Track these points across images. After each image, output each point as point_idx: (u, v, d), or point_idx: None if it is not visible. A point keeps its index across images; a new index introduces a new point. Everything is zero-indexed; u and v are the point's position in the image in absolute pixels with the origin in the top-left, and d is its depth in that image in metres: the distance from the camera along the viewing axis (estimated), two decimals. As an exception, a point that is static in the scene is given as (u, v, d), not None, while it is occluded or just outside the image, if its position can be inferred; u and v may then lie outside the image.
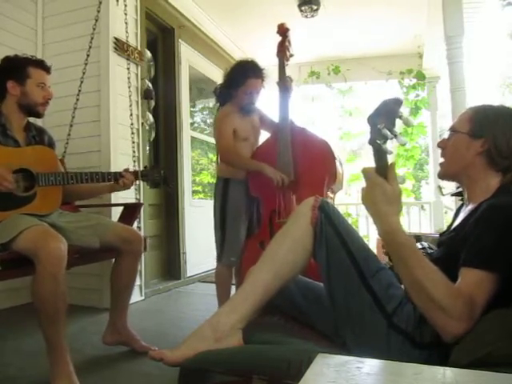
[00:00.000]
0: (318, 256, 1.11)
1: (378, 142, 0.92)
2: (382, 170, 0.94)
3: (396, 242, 0.93)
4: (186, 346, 1.02)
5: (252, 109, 2.38)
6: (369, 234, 5.18)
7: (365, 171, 0.96)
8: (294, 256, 1.11)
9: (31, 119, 2.03)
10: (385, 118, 0.92)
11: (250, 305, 1.06)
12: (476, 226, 0.97)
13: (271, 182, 2.16)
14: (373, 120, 0.93)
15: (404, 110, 5.67)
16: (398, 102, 0.94)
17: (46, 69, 1.96)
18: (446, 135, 1.21)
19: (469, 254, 0.94)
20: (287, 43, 2.39)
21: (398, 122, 0.96)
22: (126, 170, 2.01)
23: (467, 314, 0.86)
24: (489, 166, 1.08)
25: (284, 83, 2.35)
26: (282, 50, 2.38)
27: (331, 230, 1.10)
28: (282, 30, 2.40)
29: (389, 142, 0.94)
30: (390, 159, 0.96)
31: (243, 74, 2.30)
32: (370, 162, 0.98)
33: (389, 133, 0.91)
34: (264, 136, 2.53)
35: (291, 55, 2.42)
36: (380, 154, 0.93)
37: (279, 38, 2.41)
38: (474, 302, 0.87)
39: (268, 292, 1.08)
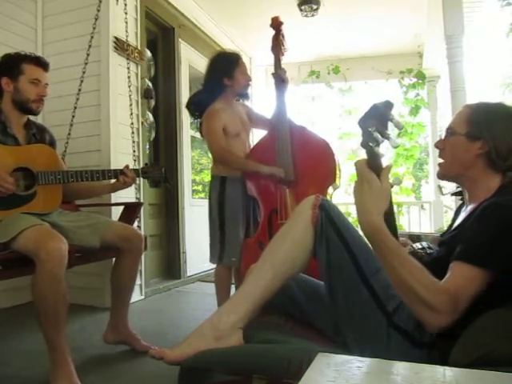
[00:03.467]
0: (319, 255, 1.11)
1: (371, 144, 0.92)
2: (375, 171, 0.94)
3: (376, 239, 0.93)
4: (187, 345, 1.02)
5: (247, 94, 2.38)
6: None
7: (357, 164, 0.96)
8: (294, 255, 1.11)
9: (32, 117, 2.03)
10: (376, 121, 0.93)
11: (250, 304, 1.06)
12: (474, 223, 0.97)
13: (270, 181, 2.14)
14: (363, 123, 0.93)
15: (396, 112, 5.68)
16: (388, 105, 0.94)
17: (42, 65, 1.93)
18: (443, 135, 1.20)
19: (464, 248, 0.94)
20: (281, 37, 2.34)
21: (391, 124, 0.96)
22: (127, 167, 2.01)
23: (451, 309, 0.87)
24: (488, 167, 1.08)
25: (279, 74, 2.30)
26: (277, 45, 2.33)
27: (332, 229, 1.10)
28: (276, 24, 2.34)
29: (382, 144, 0.95)
30: (386, 161, 0.96)
31: (233, 57, 2.29)
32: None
33: (379, 136, 0.92)
34: (255, 134, 2.50)
35: (285, 49, 2.36)
36: (372, 157, 0.94)
37: (273, 33, 2.35)
38: (459, 296, 0.88)
39: (268, 291, 1.08)
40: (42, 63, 1.93)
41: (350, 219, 5.38)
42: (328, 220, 1.11)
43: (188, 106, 2.41)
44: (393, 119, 0.94)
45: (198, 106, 2.34)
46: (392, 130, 0.97)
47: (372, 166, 0.94)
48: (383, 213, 0.93)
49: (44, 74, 1.94)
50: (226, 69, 2.27)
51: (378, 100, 0.96)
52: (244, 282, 1.12)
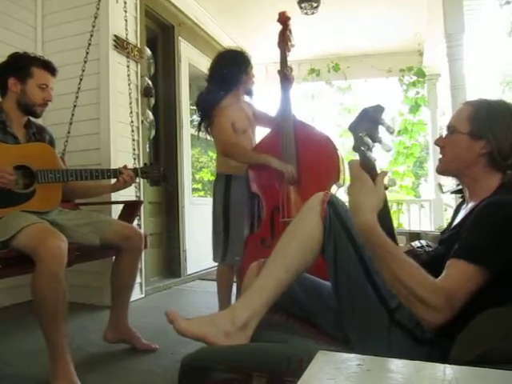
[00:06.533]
0: (326, 250, 1.12)
1: (362, 148, 0.93)
2: (369, 173, 0.95)
3: (369, 238, 0.93)
4: (197, 325, 1.02)
5: (252, 91, 2.44)
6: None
7: (350, 164, 0.96)
8: (305, 249, 1.11)
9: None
10: (366, 126, 0.93)
11: (264, 298, 1.05)
12: (474, 222, 0.97)
13: (277, 176, 2.11)
14: (354, 128, 0.94)
15: (396, 111, 5.73)
16: (379, 109, 0.95)
17: (51, 70, 1.94)
18: (444, 133, 1.20)
19: (461, 246, 0.94)
20: (288, 32, 2.32)
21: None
22: (125, 167, 2.01)
23: (447, 306, 0.87)
24: (489, 166, 1.08)
25: (285, 73, 2.29)
26: (284, 40, 2.31)
27: (339, 225, 1.10)
28: (283, 19, 2.32)
29: (373, 148, 0.96)
30: (380, 164, 0.97)
31: (246, 54, 2.33)
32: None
33: (370, 140, 0.93)
34: (258, 132, 2.49)
35: (292, 45, 2.35)
36: (365, 161, 0.95)
37: (279, 28, 2.33)
38: (455, 293, 0.88)
39: (281, 285, 1.07)
40: (51, 68, 1.94)
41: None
42: (336, 216, 1.11)
43: (200, 106, 2.34)
44: (384, 123, 0.95)
45: (210, 105, 2.28)
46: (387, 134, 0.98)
47: (365, 167, 0.95)
48: (377, 212, 0.93)
49: (51, 79, 1.95)
50: (244, 65, 2.29)
51: (369, 104, 0.97)
52: (257, 278, 1.11)
